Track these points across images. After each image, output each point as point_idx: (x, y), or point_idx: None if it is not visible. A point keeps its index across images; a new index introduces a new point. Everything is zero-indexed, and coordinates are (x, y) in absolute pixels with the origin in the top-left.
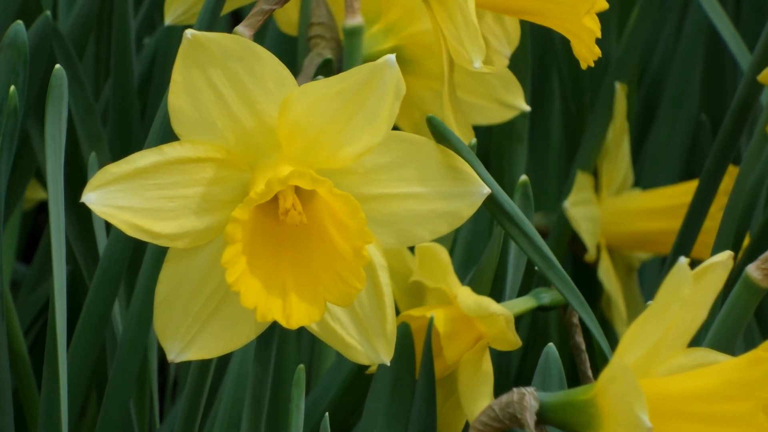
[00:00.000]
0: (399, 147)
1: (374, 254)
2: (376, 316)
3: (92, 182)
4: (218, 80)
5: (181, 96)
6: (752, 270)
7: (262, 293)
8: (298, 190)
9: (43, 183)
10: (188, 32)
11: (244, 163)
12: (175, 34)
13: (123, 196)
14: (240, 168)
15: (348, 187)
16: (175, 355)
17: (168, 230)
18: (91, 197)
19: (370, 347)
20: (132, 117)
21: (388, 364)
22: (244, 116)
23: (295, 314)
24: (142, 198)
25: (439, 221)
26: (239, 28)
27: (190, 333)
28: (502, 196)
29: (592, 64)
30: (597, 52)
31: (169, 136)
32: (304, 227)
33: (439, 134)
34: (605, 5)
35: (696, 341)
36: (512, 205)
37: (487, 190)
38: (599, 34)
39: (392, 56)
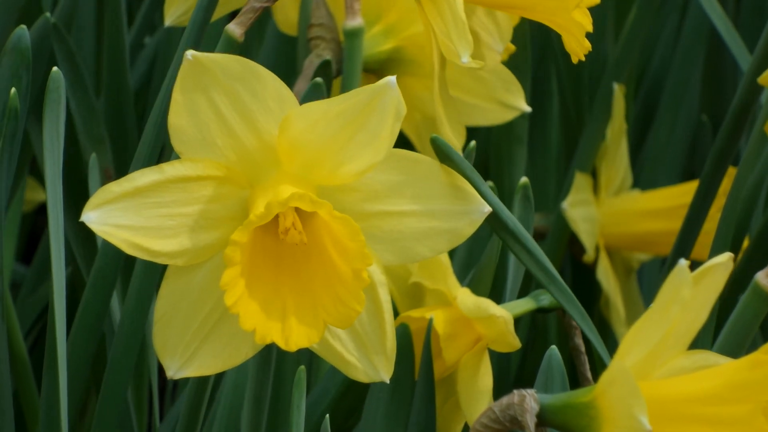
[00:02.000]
0: (400, 165)
1: (374, 272)
2: (376, 333)
3: (92, 201)
4: (219, 100)
5: (182, 115)
6: (762, 278)
7: (261, 316)
8: (298, 208)
9: (44, 184)
10: (189, 53)
11: (243, 181)
12: (175, 35)
13: (123, 215)
14: (240, 185)
15: (348, 204)
16: (174, 371)
17: (167, 248)
18: (90, 216)
19: (370, 364)
20: (127, 118)
21: (388, 382)
22: (244, 134)
23: (295, 337)
24: (141, 217)
25: (439, 239)
26: (230, 26)
27: (189, 350)
28: (504, 212)
29: (583, 58)
30: (587, 46)
31: (158, 148)
32: (304, 246)
33: (443, 154)
34: (596, 0)
35: (703, 348)
36: (514, 221)
37: (487, 209)
38: (590, 28)
39: (393, 78)
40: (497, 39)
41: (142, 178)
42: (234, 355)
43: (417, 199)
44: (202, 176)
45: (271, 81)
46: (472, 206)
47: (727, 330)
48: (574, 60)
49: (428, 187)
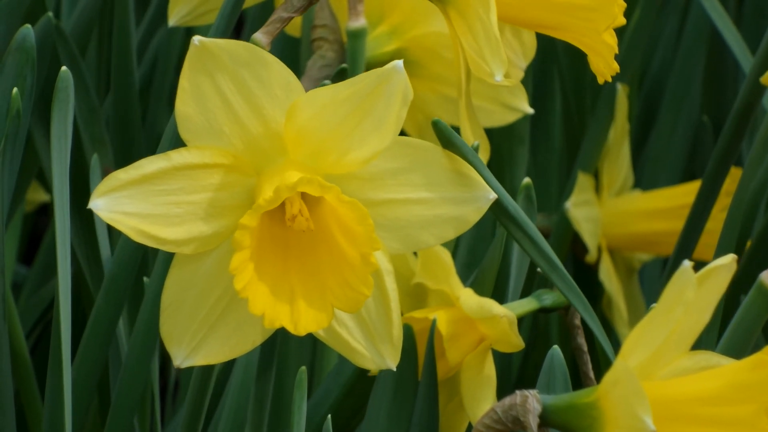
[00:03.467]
0: (405, 152)
1: (381, 259)
2: (383, 321)
3: (99, 188)
4: (225, 86)
5: (189, 103)
6: (766, 277)
7: (270, 300)
8: (304, 195)
9: (45, 185)
10: (195, 39)
11: (250, 169)
12: (176, 35)
13: (130, 202)
14: (246, 173)
15: (354, 192)
16: (182, 360)
17: (175, 236)
18: (98, 203)
19: (376, 352)
20: (133, 119)
21: (395, 370)
22: (251, 122)
23: (303, 321)
24: (149, 204)
25: (445, 226)
26: (257, 35)
27: (196, 338)
28: (507, 199)
29: (610, 80)
30: (615, 67)
31: (180, 141)
32: (311, 233)
33: (446, 139)
34: (623, 21)
35: (707, 348)
36: (516, 208)
37: (493, 196)
38: (617, 50)
39: (400, 62)
40: (521, 57)
41: (149, 165)
42: (241, 342)
43: (422, 186)
44: (209, 164)
45: (278, 68)
46: (477, 193)
47: (731, 330)
48: (600, 81)
49: (433, 174)
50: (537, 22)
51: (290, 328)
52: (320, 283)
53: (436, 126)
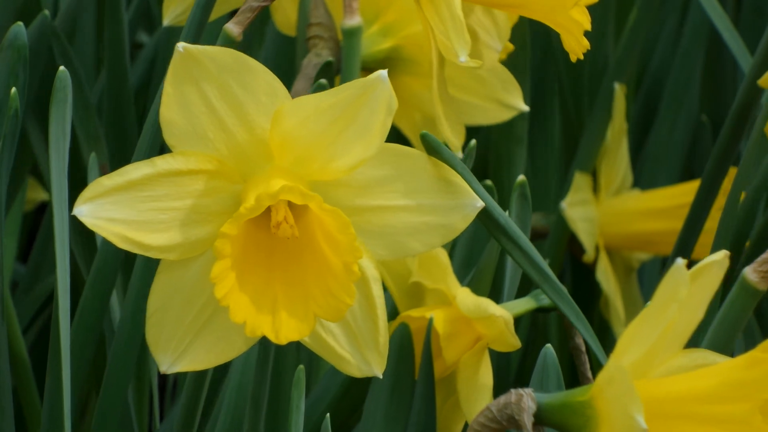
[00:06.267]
0: (392, 160)
1: (367, 267)
2: (369, 328)
3: (84, 195)
4: (210, 92)
5: (173, 108)
6: (749, 272)
7: (251, 309)
8: (291, 202)
9: (44, 184)
10: (180, 45)
11: (236, 175)
12: (176, 34)
13: (115, 209)
14: (232, 179)
15: (341, 198)
16: (167, 366)
17: (159, 242)
18: (82, 210)
19: (362, 359)
20: (127, 116)
21: (381, 377)
22: (235, 128)
23: (285, 330)
24: (133, 210)
25: (431, 234)
26: (228, 25)
27: (182, 345)
28: (497, 209)
29: (582, 57)
30: (586, 44)
31: (157, 145)
32: (296, 240)
33: (432, 149)
34: None
35: (694, 343)
36: (506, 219)
37: (480, 204)
38: (588, 27)
39: (384, 72)
40: (495, 38)
41: (134, 171)
42: (227, 349)
43: (409, 193)
44: (194, 170)
45: (263, 74)
46: (464, 200)
47: (715, 325)
48: (573, 59)
49: (420, 181)
50: (504, 0)
51: (271, 337)
52: (303, 291)
53: (424, 138)
